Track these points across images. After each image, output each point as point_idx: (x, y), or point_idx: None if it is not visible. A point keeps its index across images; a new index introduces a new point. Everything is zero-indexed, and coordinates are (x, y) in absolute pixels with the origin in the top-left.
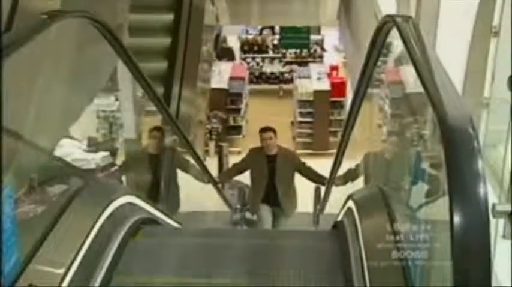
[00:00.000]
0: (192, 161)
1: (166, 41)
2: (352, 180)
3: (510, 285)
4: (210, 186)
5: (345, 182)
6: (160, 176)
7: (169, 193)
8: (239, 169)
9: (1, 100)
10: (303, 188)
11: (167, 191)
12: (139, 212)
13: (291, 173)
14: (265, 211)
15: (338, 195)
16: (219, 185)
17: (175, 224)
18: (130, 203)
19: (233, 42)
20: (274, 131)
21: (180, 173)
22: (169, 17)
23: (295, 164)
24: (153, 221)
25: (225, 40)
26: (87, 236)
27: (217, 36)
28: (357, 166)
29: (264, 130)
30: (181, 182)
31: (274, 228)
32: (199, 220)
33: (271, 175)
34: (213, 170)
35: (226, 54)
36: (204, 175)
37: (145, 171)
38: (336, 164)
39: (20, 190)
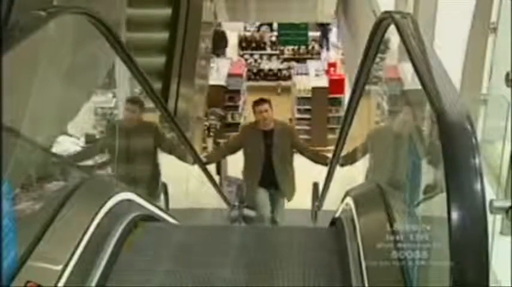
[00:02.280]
0: (175, 140)
1: (164, 35)
2: (351, 163)
3: (510, 282)
4: (208, 184)
5: (347, 163)
6: (136, 154)
7: (151, 176)
8: (231, 147)
9: (1, 100)
10: (300, 184)
11: (146, 172)
12: (137, 209)
13: (289, 150)
14: (263, 195)
15: (336, 191)
16: (218, 183)
17: (173, 221)
18: (128, 200)
19: (231, 39)
20: (269, 103)
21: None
22: (167, 11)
23: (293, 141)
24: (151, 218)
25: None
26: (84, 233)
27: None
28: (355, 150)
29: (258, 102)
30: (176, 177)
31: (273, 214)
32: (197, 217)
33: (268, 153)
34: (211, 167)
35: (219, 40)
36: (189, 155)
37: (120, 149)
38: (334, 161)
39: (18, 186)
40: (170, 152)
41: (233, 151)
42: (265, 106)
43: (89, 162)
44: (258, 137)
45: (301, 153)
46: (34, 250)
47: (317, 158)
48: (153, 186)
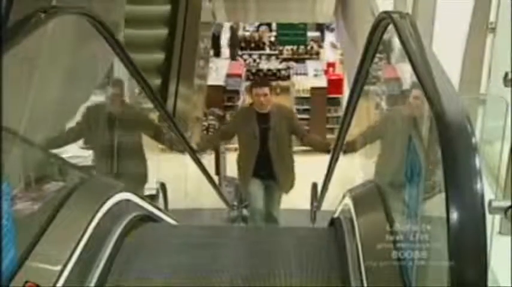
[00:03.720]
0: (163, 126)
1: (163, 32)
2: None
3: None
4: (207, 184)
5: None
6: (121, 141)
7: (133, 165)
8: (223, 132)
9: (1, 100)
10: (299, 184)
11: (129, 161)
12: (136, 210)
13: (287, 135)
14: (256, 186)
15: (335, 191)
16: (216, 180)
17: (173, 222)
18: (127, 200)
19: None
20: (271, 87)
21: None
22: (166, 8)
23: (291, 125)
24: (150, 218)
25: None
26: (83, 233)
27: (214, 35)
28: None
29: (257, 84)
30: (177, 177)
31: (269, 208)
32: (196, 217)
33: (264, 138)
34: (210, 167)
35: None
36: (179, 143)
37: (101, 136)
38: (333, 162)
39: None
40: (158, 139)
41: (225, 136)
42: (265, 90)
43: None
44: (252, 120)
45: (301, 139)
46: (33, 249)
47: (318, 145)
48: (140, 174)
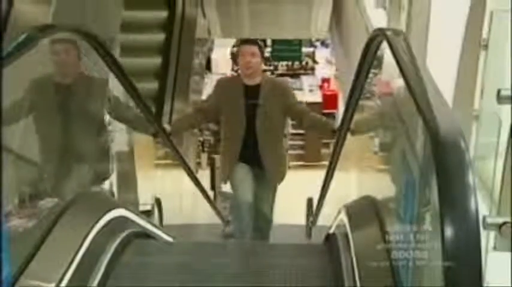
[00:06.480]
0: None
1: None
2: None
3: None
4: (202, 199)
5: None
6: (76, 123)
7: (97, 153)
8: (202, 109)
9: (1, 101)
10: (294, 198)
11: (86, 147)
12: (131, 226)
13: (281, 116)
14: (242, 174)
15: (330, 207)
16: (212, 198)
17: (168, 238)
18: (122, 217)
19: (224, 55)
20: (260, 46)
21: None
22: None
23: (286, 104)
24: (145, 235)
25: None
26: (77, 251)
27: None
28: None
29: (245, 42)
30: (170, 192)
31: (259, 203)
32: (191, 233)
33: (250, 116)
34: (206, 182)
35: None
36: (147, 124)
37: (47, 115)
38: (328, 177)
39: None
40: (126, 122)
41: (205, 114)
42: (253, 48)
43: None
44: (237, 94)
45: (300, 121)
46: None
47: (321, 127)
48: (102, 165)
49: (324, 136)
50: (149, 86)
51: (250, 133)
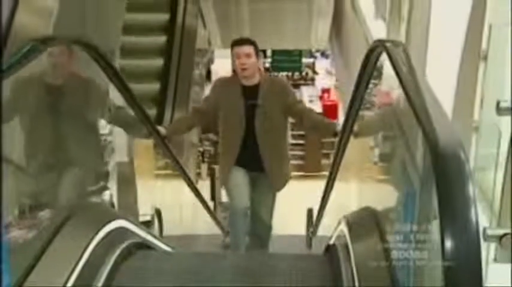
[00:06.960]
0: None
1: (159, 62)
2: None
3: None
4: (202, 209)
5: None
6: (68, 127)
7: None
8: (199, 111)
9: (1, 103)
10: (294, 208)
11: (76, 150)
12: (131, 237)
13: (281, 116)
14: (239, 178)
15: (331, 218)
16: (212, 209)
17: (168, 248)
18: (122, 228)
19: (224, 66)
20: (255, 45)
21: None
22: (162, 39)
23: (286, 103)
24: (145, 246)
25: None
26: (77, 262)
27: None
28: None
29: (237, 42)
30: (172, 203)
31: (256, 210)
32: (191, 244)
33: (249, 118)
34: (206, 192)
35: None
36: (141, 125)
37: (37, 118)
38: (328, 187)
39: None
40: (120, 125)
41: (203, 115)
42: (247, 49)
43: None
44: (235, 94)
45: (300, 120)
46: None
47: (323, 127)
48: (97, 172)
49: (326, 135)
50: (150, 89)
51: (250, 134)
